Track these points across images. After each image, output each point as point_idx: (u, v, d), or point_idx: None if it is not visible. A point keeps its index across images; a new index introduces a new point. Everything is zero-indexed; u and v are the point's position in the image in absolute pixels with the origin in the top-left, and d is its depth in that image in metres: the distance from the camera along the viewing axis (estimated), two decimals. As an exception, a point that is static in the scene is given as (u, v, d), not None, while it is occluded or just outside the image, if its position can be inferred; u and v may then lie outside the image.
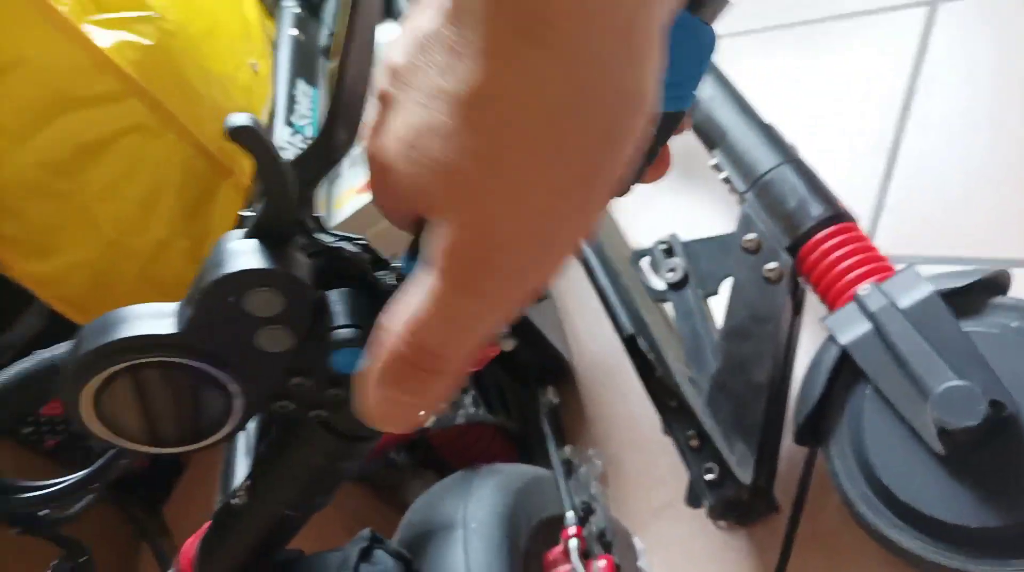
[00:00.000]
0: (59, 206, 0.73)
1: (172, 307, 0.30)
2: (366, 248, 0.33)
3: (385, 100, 0.26)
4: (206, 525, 0.47)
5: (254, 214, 0.30)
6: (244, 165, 0.80)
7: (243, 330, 0.29)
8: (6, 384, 0.36)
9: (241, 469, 0.59)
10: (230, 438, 0.33)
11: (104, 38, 0.67)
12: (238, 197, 0.81)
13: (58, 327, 0.87)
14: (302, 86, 0.95)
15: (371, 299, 0.31)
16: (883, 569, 0.72)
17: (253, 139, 0.27)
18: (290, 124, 0.88)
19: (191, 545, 0.48)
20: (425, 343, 0.24)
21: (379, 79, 0.27)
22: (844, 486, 0.67)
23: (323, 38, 1.07)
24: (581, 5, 0.20)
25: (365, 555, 0.57)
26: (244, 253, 0.28)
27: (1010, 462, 0.60)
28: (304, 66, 0.97)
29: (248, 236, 0.29)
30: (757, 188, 0.77)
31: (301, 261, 0.30)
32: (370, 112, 0.28)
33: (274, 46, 0.95)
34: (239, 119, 0.27)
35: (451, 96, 0.22)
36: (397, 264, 0.33)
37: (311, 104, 0.96)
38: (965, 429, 0.59)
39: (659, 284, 0.87)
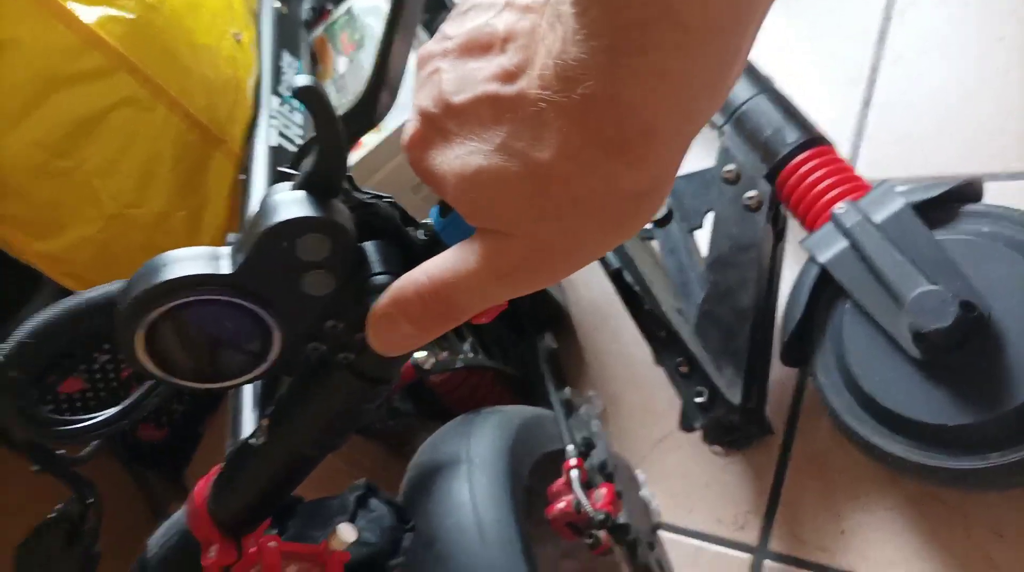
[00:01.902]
0: (60, 184, 0.75)
1: (220, 250, 0.32)
2: (395, 205, 0.36)
3: (434, 124, 0.29)
4: (217, 467, 0.50)
5: (299, 171, 0.32)
6: (234, 134, 0.83)
7: (291, 273, 0.31)
8: (52, 318, 0.39)
9: (248, 418, 0.62)
10: (265, 376, 0.35)
11: (88, 14, 0.70)
12: (230, 165, 0.83)
13: (69, 307, 0.90)
14: (287, 58, 0.97)
15: (402, 252, 0.34)
16: (875, 484, 0.74)
17: (316, 98, 0.29)
18: (277, 94, 0.90)
19: (204, 485, 0.51)
20: (450, 300, 0.29)
21: (424, 98, 0.29)
22: (829, 399, 0.70)
23: (305, 12, 1.10)
24: (660, 132, 0.23)
25: (361, 502, 0.59)
26: (297, 202, 0.30)
27: (983, 361, 0.62)
28: (287, 38, 0.99)
29: (296, 188, 0.31)
30: (734, 120, 0.79)
31: (346, 212, 0.32)
32: (411, 124, 0.30)
33: (256, 18, 0.97)
34: (303, 80, 0.29)
35: (530, 161, 0.25)
36: (426, 221, 0.35)
37: (296, 75, 0.98)
38: (938, 331, 0.61)
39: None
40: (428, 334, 0.30)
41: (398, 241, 0.35)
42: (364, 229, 0.34)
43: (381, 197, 0.35)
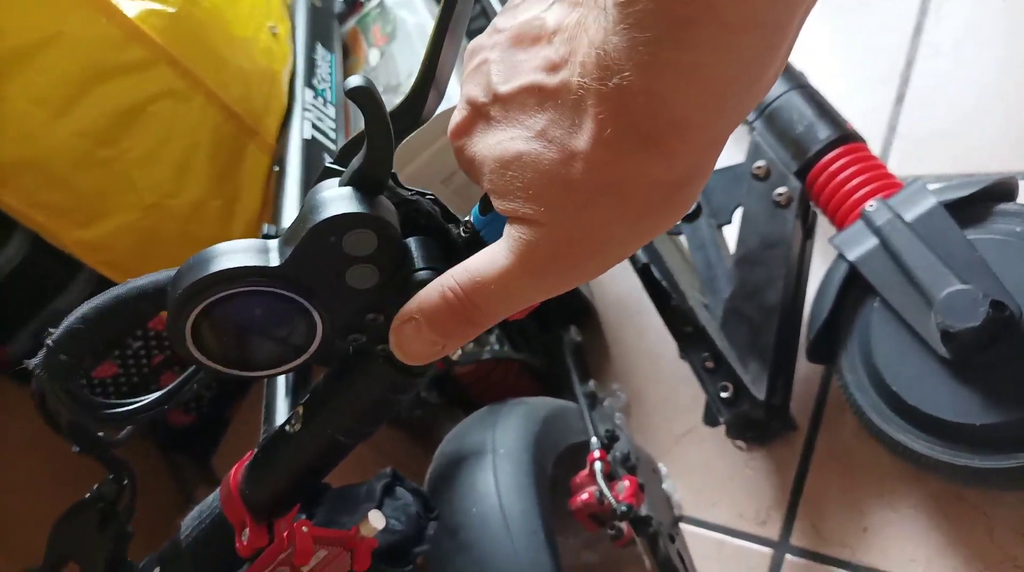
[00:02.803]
0: (101, 173, 0.77)
1: (269, 243, 0.33)
2: (436, 202, 0.37)
3: (480, 112, 0.30)
4: (251, 452, 0.51)
5: (347, 167, 0.33)
6: (268, 125, 0.84)
7: (336, 267, 0.32)
8: (102, 305, 0.40)
9: (282, 406, 0.63)
10: (307, 365, 0.36)
11: (131, 8, 0.71)
12: (264, 156, 0.85)
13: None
14: (320, 50, 0.98)
15: (443, 248, 0.35)
16: (899, 481, 0.74)
17: (368, 98, 0.30)
18: (311, 86, 0.92)
19: (238, 469, 0.52)
20: (479, 303, 0.29)
21: (472, 87, 0.30)
22: (855, 396, 0.70)
23: (338, 5, 1.11)
24: (693, 125, 0.24)
25: (388, 490, 0.61)
26: (346, 198, 0.31)
27: (1012, 361, 0.62)
28: (321, 31, 1.00)
29: (343, 184, 0.32)
30: (765, 115, 0.79)
31: (391, 209, 0.33)
32: (459, 113, 0.31)
33: (291, 10, 0.98)
34: (356, 80, 0.30)
35: (566, 147, 0.26)
36: (466, 218, 0.36)
37: (329, 68, 0.99)
38: (968, 331, 0.61)
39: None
40: (452, 341, 0.31)
41: (440, 237, 0.35)
42: (407, 225, 0.34)
43: (424, 194, 0.36)
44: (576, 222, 0.27)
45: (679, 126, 0.24)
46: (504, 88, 0.28)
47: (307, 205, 0.32)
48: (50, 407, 0.45)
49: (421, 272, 0.33)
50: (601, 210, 0.26)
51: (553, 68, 0.27)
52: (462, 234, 0.36)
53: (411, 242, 0.34)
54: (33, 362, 0.43)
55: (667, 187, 0.26)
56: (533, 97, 0.27)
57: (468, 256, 0.34)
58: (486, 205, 0.35)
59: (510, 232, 0.28)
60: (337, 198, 0.31)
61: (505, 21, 0.31)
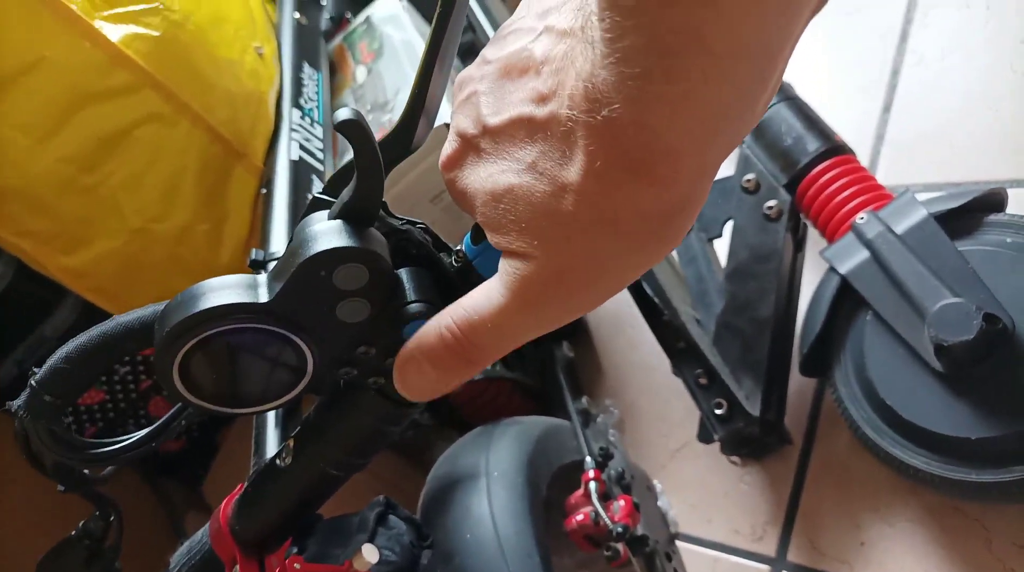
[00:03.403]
0: (86, 199, 0.76)
1: (255, 279, 0.32)
2: (427, 230, 0.36)
3: (471, 144, 0.30)
4: (240, 486, 0.50)
5: (337, 199, 0.32)
6: (256, 147, 0.84)
7: (327, 301, 0.32)
8: (87, 344, 0.39)
9: (272, 438, 0.62)
10: (298, 400, 0.36)
11: (115, 32, 0.71)
12: (252, 179, 0.84)
13: (91, 318, 0.91)
14: (307, 69, 0.98)
15: (436, 278, 0.35)
16: (893, 494, 0.74)
17: (358, 131, 0.29)
18: (298, 106, 0.91)
19: (227, 504, 0.51)
20: (476, 342, 0.29)
21: (462, 119, 0.30)
22: (849, 410, 0.69)
23: (324, 22, 1.10)
24: (684, 155, 0.24)
25: (381, 519, 0.60)
26: (336, 232, 0.31)
27: (1007, 374, 0.61)
28: (307, 49, 1.00)
29: (333, 217, 0.32)
30: (754, 129, 0.79)
31: (382, 241, 0.32)
32: (449, 145, 0.31)
33: (277, 30, 0.97)
34: (345, 114, 0.29)
35: (557, 179, 0.26)
36: (457, 247, 0.36)
37: (316, 87, 0.99)
38: (961, 344, 0.61)
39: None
40: (453, 378, 0.31)
41: (432, 267, 0.35)
42: (398, 255, 0.34)
43: (415, 223, 0.36)
44: (569, 254, 0.26)
45: (670, 156, 0.24)
46: (493, 120, 0.28)
47: (296, 239, 0.32)
48: (34, 448, 0.44)
49: (413, 305, 0.33)
50: (594, 241, 0.26)
51: (542, 100, 0.26)
52: (454, 263, 0.35)
53: (402, 273, 0.34)
54: (16, 403, 0.42)
55: (660, 217, 0.26)
56: (523, 129, 0.27)
57: (461, 286, 0.34)
58: (477, 234, 0.34)
59: (504, 267, 0.28)
60: (327, 232, 0.31)
61: (493, 52, 0.30)
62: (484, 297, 0.29)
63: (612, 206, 0.25)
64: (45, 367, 0.41)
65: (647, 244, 0.26)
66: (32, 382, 0.41)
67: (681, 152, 0.24)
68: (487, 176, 0.28)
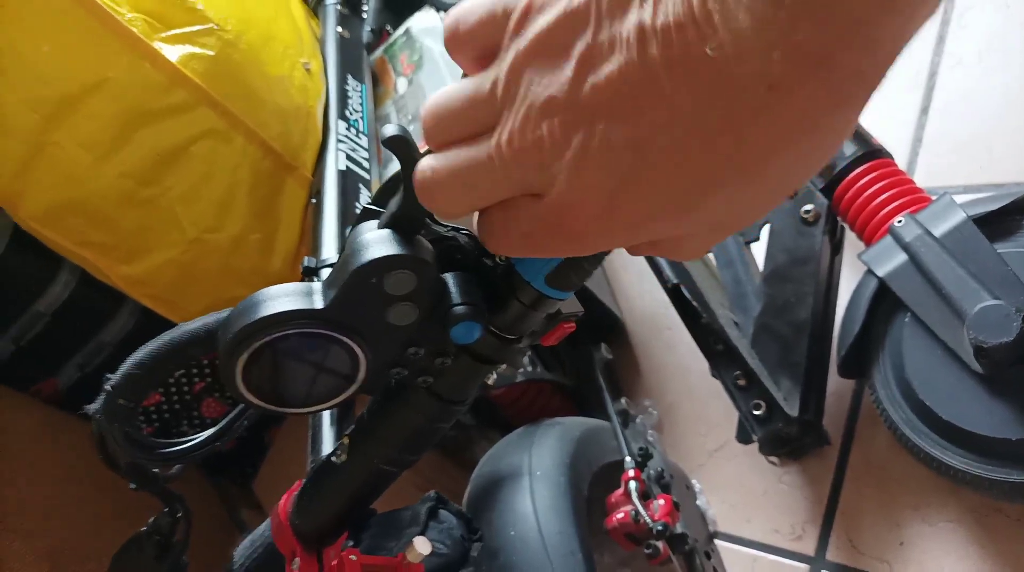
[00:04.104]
0: (145, 211, 0.80)
1: (310, 286, 0.34)
2: (471, 236, 0.38)
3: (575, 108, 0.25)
4: (299, 483, 0.53)
5: (385, 209, 0.35)
6: (305, 159, 0.87)
7: (378, 306, 0.34)
8: (157, 351, 0.42)
9: (328, 436, 0.65)
10: (352, 399, 0.38)
11: (173, 53, 0.74)
12: (302, 190, 0.87)
13: (149, 323, 0.96)
14: (351, 82, 1.01)
15: (479, 281, 0.36)
16: (933, 494, 0.74)
17: (403, 146, 0.31)
18: (344, 118, 0.94)
19: (287, 499, 0.54)
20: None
21: (542, 88, 0.25)
22: (888, 412, 0.70)
23: (365, 35, 1.14)
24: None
25: (432, 513, 0.62)
26: (386, 241, 0.33)
27: (1047, 374, 0.61)
28: (351, 63, 1.03)
29: (382, 226, 0.34)
30: (788, 135, 0.79)
31: (428, 248, 0.34)
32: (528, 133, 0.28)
33: (321, 44, 1.01)
34: (391, 130, 0.31)
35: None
36: None
37: (361, 99, 1.02)
38: (1001, 346, 0.61)
39: (700, 236, 0.90)
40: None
41: (476, 271, 0.37)
42: (443, 261, 0.36)
43: (459, 230, 0.38)
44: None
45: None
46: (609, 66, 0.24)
47: (348, 248, 0.34)
48: (110, 449, 0.48)
49: (458, 307, 0.35)
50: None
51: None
52: (497, 267, 0.37)
53: (448, 278, 0.36)
54: (93, 407, 0.45)
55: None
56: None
57: (503, 288, 0.36)
58: None
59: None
60: (377, 241, 0.33)
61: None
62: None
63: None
64: (119, 373, 0.44)
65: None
66: (107, 387, 0.44)
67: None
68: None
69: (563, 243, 0.27)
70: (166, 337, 0.44)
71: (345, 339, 0.34)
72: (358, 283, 0.33)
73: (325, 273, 0.54)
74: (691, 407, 0.95)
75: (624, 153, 0.23)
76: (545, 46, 0.24)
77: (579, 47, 0.23)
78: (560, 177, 0.25)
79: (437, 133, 0.30)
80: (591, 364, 0.95)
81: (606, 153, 0.23)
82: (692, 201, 0.24)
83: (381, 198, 0.40)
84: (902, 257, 0.70)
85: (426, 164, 0.30)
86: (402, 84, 1.09)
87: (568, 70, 0.24)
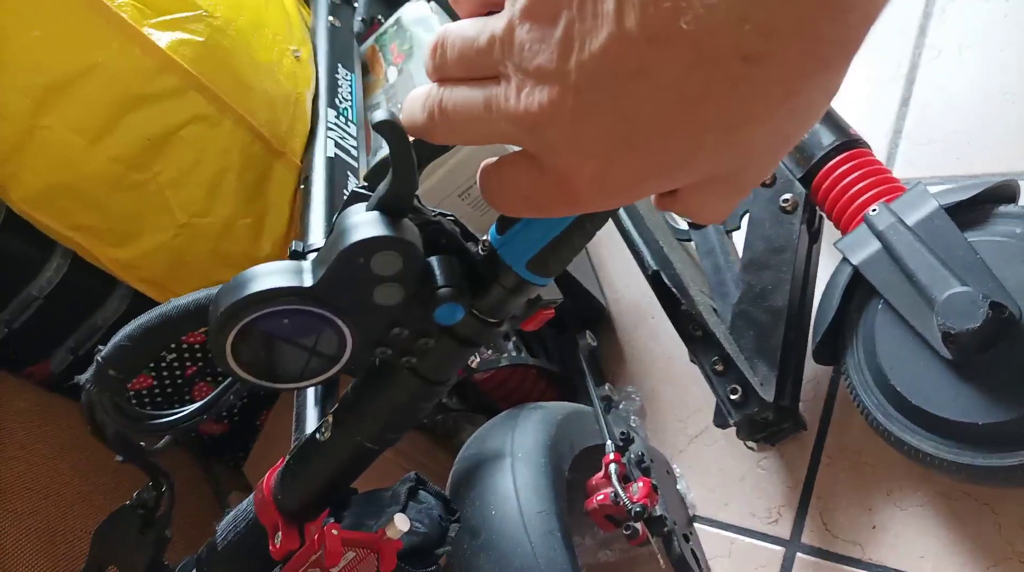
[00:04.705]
0: (135, 196, 0.82)
1: (300, 265, 0.36)
2: (456, 222, 0.39)
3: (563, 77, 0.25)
4: (283, 459, 0.54)
5: (374, 191, 0.35)
6: (294, 145, 0.88)
7: (365, 286, 0.34)
8: (148, 324, 0.44)
9: (312, 415, 0.67)
10: (337, 376, 0.39)
11: (162, 38, 0.75)
12: (290, 175, 0.88)
13: (140, 308, 0.97)
14: (341, 70, 1.02)
15: (464, 265, 0.38)
16: (907, 479, 0.76)
17: (393, 130, 0.32)
18: (334, 106, 0.95)
19: (271, 476, 0.55)
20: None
21: (532, 58, 0.26)
22: (861, 397, 0.72)
23: (356, 24, 1.15)
24: None
25: (412, 493, 0.64)
26: (373, 223, 0.34)
27: (1013, 361, 0.63)
28: (341, 51, 1.04)
29: (370, 209, 0.35)
30: (769, 125, 0.81)
31: (414, 231, 0.35)
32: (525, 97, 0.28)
33: (312, 33, 1.02)
34: (381, 114, 0.32)
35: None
36: (484, 237, 0.39)
37: (350, 88, 1.03)
38: (968, 332, 0.63)
39: (682, 224, 0.91)
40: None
41: (460, 255, 0.38)
42: (429, 244, 0.37)
43: (445, 214, 0.39)
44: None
45: None
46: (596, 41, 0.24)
47: (337, 228, 0.35)
48: (98, 419, 0.49)
49: (443, 289, 0.36)
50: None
51: None
52: (480, 252, 0.38)
53: (433, 261, 0.37)
54: (84, 377, 0.46)
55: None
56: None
57: (486, 272, 0.37)
58: (502, 223, 0.38)
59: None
60: (365, 222, 0.34)
61: None
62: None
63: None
64: (110, 345, 0.45)
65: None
66: (98, 358, 0.46)
67: None
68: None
69: (562, 205, 0.28)
70: (157, 311, 0.45)
71: (332, 317, 0.36)
72: (346, 262, 0.34)
73: (312, 257, 0.55)
74: (673, 393, 0.97)
75: (613, 122, 0.24)
76: (535, 13, 0.25)
77: (566, 16, 0.24)
78: (553, 144, 0.26)
79: (439, 68, 0.30)
80: (575, 350, 0.96)
81: (596, 122, 0.24)
82: (680, 161, 0.25)
83: (370, 182, 0.41)
84: (876, 245, 0.71)
85: (433, 92, 0.30)
86: (392, 73, 1.10)
87: (556, 39, 0.24)
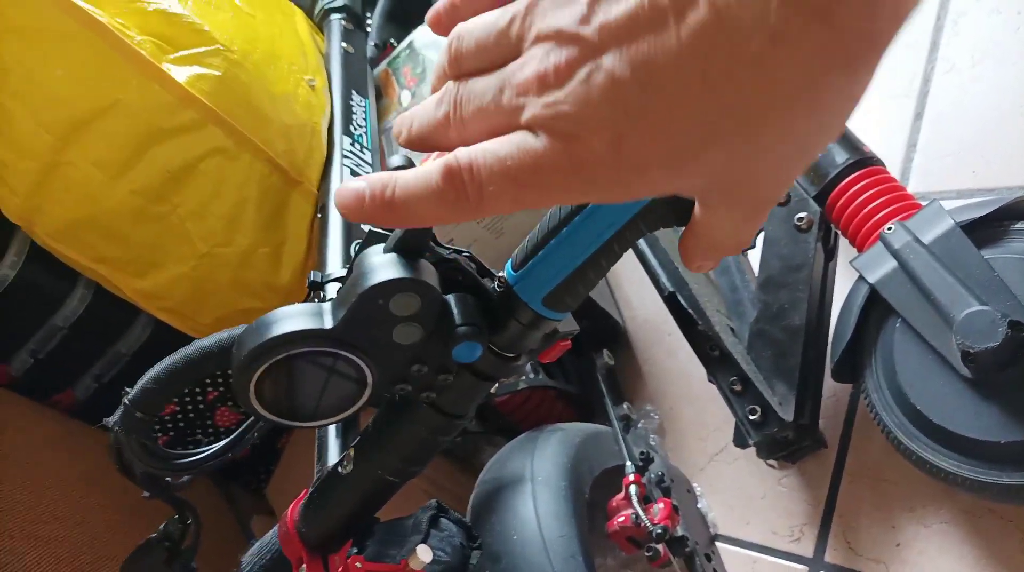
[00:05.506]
0: (156, 227, 0.83)
1: (319, 307, 0.37)
2: (472, 258, 0.40)
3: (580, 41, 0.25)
4: (305, 492, 0.55)
5: (392, 234, 0.36)
6: (310, 175, 0.89)
7: (384, 326, 0.35)
8: (173, 367, 0.45)
9: (333, 447, 0.67)
10: (357, 413, 0.40)
11: (181, 74, 0.77)
12: (308, 204, 0.90)
13: (164, 335, 0.98)
14: (355, 97, 1.03)
15: (480, 302, 0.38)
16: (930, 497, 0.75)
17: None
18: (348, 133, 0.97)
19: (294, 508, 0.56)
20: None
21: (552, 19, 0.26)
22: (881, 416, 0.71)
23: (369, 49, 1.16)
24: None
25: (433, 521, 0.64)
26: (391, 265, 0.35)
27: (1034, 379, 0.63)
28: (355, 78, 1.05)
29: (388, 250, 0.36)
30: (781, 144, 0.81)
31: (432, 270, 0.36)
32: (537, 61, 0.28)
33: (326, 60, 1.03)
34: (397, 161, 0.34)
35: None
36: (500, 274, 0.39)
37: (365, 114, 1.04)
38: (987, 351, 0.62)
39: (697, 244, 0.92)
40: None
41: (476, 292, 0.39)
42: (446, 282, 0.38)
43: (460, 252, 0.40)
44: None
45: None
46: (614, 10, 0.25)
47: (356, 270, 0.36)
48: (126, 459, 0.50)
49: (461, 328, 0.37)
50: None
51: None
52: (496, 289, 0.39)
53: (451, 299, 0.38)
54: (111, 420, 0.47)
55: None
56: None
57: (502, 309, 0.38)
58: (517, 260, 0.38)
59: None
60: (383, 265, 0.35)
61: None
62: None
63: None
64: (136, 388, 0.46)
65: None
66: (125, 401, 0.47)
67: None
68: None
69: (572, 181, 0.27)
70: (181, 353, 0.46)
71: (353, 357, 0.36)
72: (365, 304, 0.35)
73: (330, 286, 0.56)
74: (692, 412, 0.96)
75: (630, 89, 0.24)
76: None
77: None
78: (566, 110, 0.25)
79: (456, 60, 0.30)
80: (593, 370, 0.97)
81: (613, 88, 0.24)
82: (692, 150, 0.25)
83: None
84: (892, 264, 0.71)
85: (449, 88, 0.30)
86: (406, 97, 1.11)
87: (581, 4, 0.25)
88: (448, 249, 0.40)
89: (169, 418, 1.11)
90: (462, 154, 0.28)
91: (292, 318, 0.36)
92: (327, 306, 0.37)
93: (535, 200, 0.28)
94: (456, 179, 0.28)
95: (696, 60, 0.23)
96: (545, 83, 0.26)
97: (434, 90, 0.32)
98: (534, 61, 0.26)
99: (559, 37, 0.25)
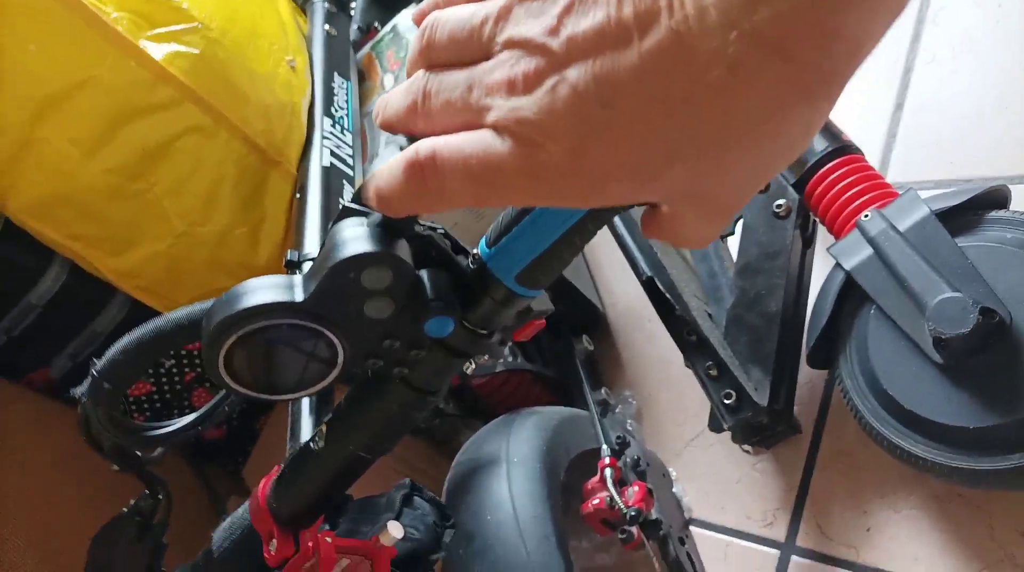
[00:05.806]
0: (133, 205, 0.82)
1: (291, 279, 0.36)
2: (446, 235, 0.40)
3: (546, 51, 0.26)
4: (278, 467, 0.55)
5: (364, 206, 0.35)
6: (290, 155, 0.89)
7: (355, 300, 0.35)
8: (142, 338, 0.44)
9: (306, 423, 0.67)
10: (330, 388, 0.40)
11: (158, 51, 0.76)
12: (286, 184, 0.89)
13: (138, 315, 0.97)
14: (337, 79, 1.03)
15: (453, 279, 0.38)
16: (901, 482, 0.76)
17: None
18: (329, 115, 0.96)
19: (266, 484, 0.56)
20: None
21: (522, 28, 0.27)
22: (855, 401, 0.72)
23: (352, 32, 1.15)
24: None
25: (406, 500, 0.64)
26: (364, 238, 0.34)
27: (1003, 366, 0.64)
28: (337, 60, 1.05)
29: (361, 224, 0.35)
30: (761, 131, 0.81)
31: (405, 246, 0.36)
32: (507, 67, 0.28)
33: (308, 42, 1.02)
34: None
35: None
36: (474, 250, 0.39)
37: (346, 96, 1.04)
38: (958, 337, 0.63)
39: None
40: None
41: (450, 268, 0.39)
42: (419, 258, 0.38)
43: (435, 228, 0.40)
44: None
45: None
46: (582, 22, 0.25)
47: (328, 244, 0.36)
48: (93, 431, 0.50)
49: (433, 302, 0.36)
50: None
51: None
52: (470, 265, 0.39)
53: (423, 274, 0.37)
54: (79, 390, 0.47)
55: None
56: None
57: (476, 285, 0.38)
58: (491, 237, 0.38)
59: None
60: (356, 238, 0.35)
61: None
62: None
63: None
64: (104, 358, 0.46)
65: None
66: (93, 372, 0.46)
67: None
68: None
69: (531, 185, 0.27)
70: (151, 325, 0.46)
71: (324, 330, 0.36)
72: (336, 278, 0.34)
73: (307, 266, 0.56)
74: (669, 397, 0.97)
75: (593, 103, 0.24)
76: None
77: None
78: (529, 117, 0.25)
79: (427, 49, 0.30)
80: (572, 355, 0.97)
81: (576, 100, 0.24)
82: (654, 167, 0.25)
83: (360, 196, 0.42)
84: (868, 251, 0.71)
85: (418, 77, 0.30)
86: (389, 80, 1.10)
87: (551, 16, 0.25)
88: (423, 225, 0.39)
89: (146, 398, 1.10)
90: (424, 147, 0.28)
91: (263, 290, 0.36)
92: (298, 278, 0.36)
93: (496, 199, 0.28)
94: (417, 172, 0.28)
95: (657, 80, 0.23)
96: (513, 89, 0.26)
97: (409, 74, 0.32)
98: (504, 67, 0.26)
99: (527, 46, 0.26)
